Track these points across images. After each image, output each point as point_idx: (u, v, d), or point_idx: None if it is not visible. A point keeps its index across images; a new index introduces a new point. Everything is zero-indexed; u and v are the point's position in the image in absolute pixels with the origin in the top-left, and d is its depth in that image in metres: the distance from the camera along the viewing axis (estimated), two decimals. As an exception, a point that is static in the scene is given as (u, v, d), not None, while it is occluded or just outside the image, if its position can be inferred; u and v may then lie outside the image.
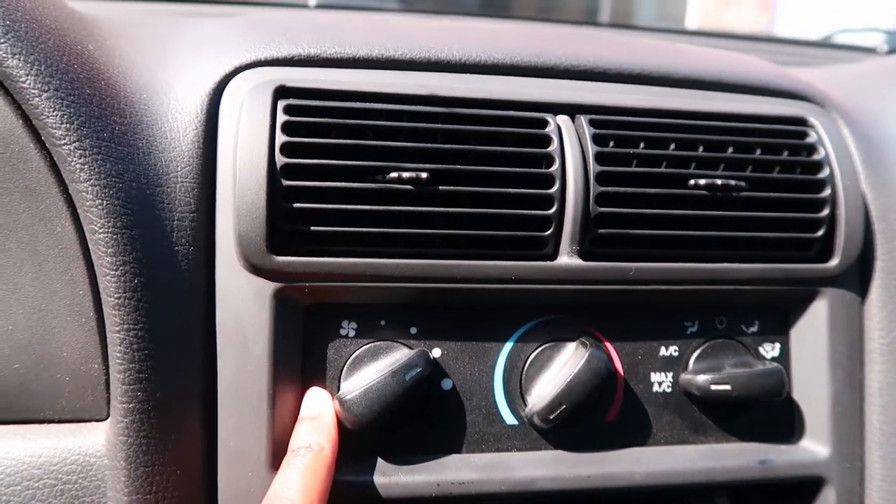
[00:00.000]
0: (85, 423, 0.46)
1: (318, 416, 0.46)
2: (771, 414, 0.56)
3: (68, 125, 0.42)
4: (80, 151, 0.42)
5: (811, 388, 0.56)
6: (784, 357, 0.57)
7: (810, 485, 0.56)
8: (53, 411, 0.45)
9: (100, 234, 0.42)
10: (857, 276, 0.57)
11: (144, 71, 0.50)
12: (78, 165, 0.42)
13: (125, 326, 0.43)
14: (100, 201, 0.42)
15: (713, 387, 0.52)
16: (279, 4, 1.09)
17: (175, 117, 0.47)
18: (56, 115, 0.41)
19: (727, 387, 0.52)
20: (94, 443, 0.45)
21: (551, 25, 1.26)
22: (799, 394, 0.57)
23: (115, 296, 0.43)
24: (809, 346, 0.57)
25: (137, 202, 0.44)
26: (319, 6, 1.09)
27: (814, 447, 0.56)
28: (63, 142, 0.41)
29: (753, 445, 0.55)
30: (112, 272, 0.43)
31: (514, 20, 1.22)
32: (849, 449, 0.56)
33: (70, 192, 0.43)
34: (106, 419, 0.45)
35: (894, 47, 1.29)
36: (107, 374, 0.45)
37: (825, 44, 1.43)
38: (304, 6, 1.11)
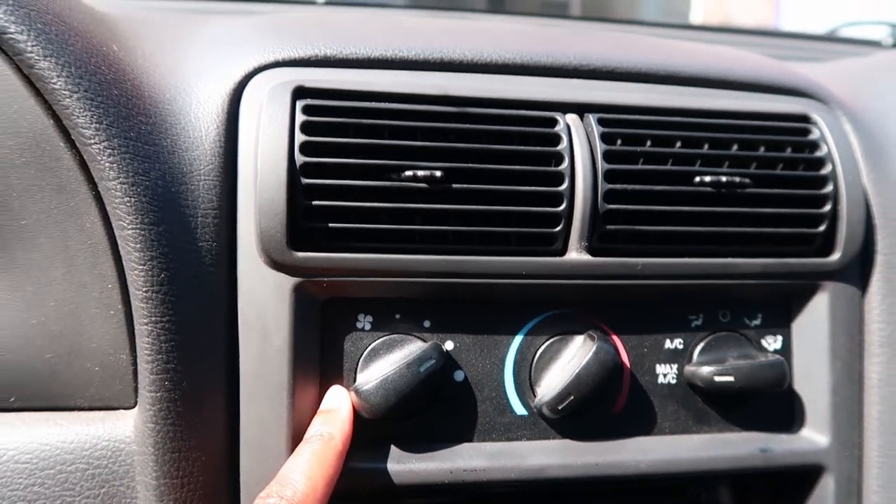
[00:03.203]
0: (114, 411, 0.48)
1: (334, 410, 0.48)
2: (773, 404, 0.58)
3: (97, 125, 0.43)
4: (109, 151, 0.44)
5: (812, 379, 0.58)
6: (786, 349, 0.59)
7: (810, 473, 0.58)
8: (84, 399, 0.47)
9: (128, 230, 0.44)
10: (858, 271, 0.59)
11: (166, 71, 0.52)
12: (107, 164, 0.44)
13: (153, 319, 0.45)
14: (128, 198, 0.44)
15: (717, 378, 0.54)
16: (289, 1, 1.10)
17: (197, 117, 0.49)
18: (86, 116, 0.43)
19: (730, 378, 0.54)
20: (123, 429, 0.47)
21: (559, 22, 1.27)
22: (800, 385, 0.59)
23: (143, 289, 0.45)
24: (810, 339, 0.58)
25: (163, 199, 0.46)
26: (328, 3, 1.10)
27: (814, 436, 0.58)
28: (93, 141, 0.43)
29: (755, 435, 0.57)
30: (140, 266, 0.44)
31: (521, 16, 1.23)
32: (848, 438, 0.58)
33: (99, 189, 0.44)
34: (134, 407, 0.47)
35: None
36: (134, 364, 0.47)
37: (830, 37, 1.43)
38: (313, 3, 1.12)
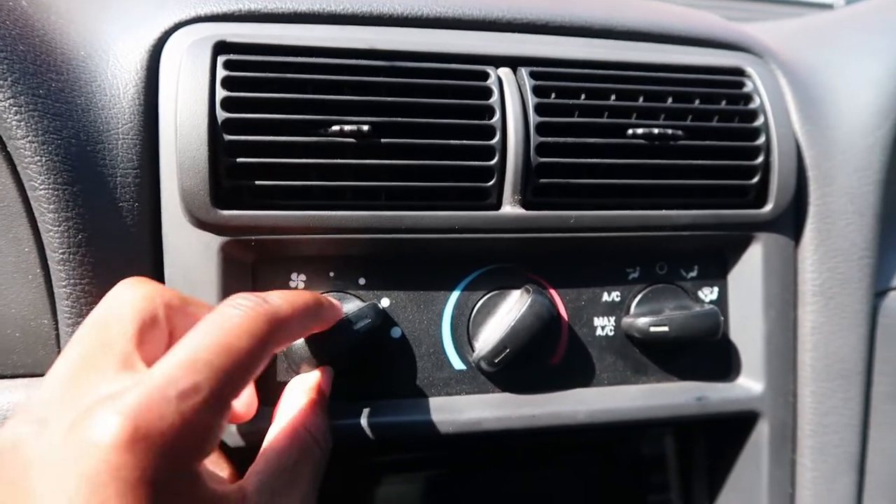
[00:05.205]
0: (37, 378, 0.47)
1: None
2: (709, 354, 0.59)
3: (1, 82, 0.42)
4: (16, 108, 0.42)
5: (747, 328, 0.59)
6: (722, 300, 0.60)
7: (746, 419, 0.60)
8: (5, 367, 0.46)
9: (40, 190, 0.43)
10: (791, 221, 0.60)
11: (82, 28, 0.50)
12: (14, 122, 0.42)
13: (71, 281, 0.44)
14: (38, 157, 0.42)
15: (652, 329, 0.54)
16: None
17: (115, 74, 0.47)
18: (-12, 72, 0.41)
19: (665, 328, 0.54)
20: (48, 396, 0.46)
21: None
22: (736, 334, 0.60)
23: (60, 251, 0.43)
24: (745, 289, 0.59)
25: (78, 158, 0.44)
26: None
27: (749, 384, 0.59)
28: (-3, 98, 0.41)
29: (692, 384, 0.58)
30: (55, 228, 0.43)
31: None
32: (782, 385, 0.59)
33: (8, 148, 0.43)
34: (59, 373, 0.46)
35: (851, 1, 1.31)
36: (57, 328, 0.46)
37: (785, 0, 1.44)
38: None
